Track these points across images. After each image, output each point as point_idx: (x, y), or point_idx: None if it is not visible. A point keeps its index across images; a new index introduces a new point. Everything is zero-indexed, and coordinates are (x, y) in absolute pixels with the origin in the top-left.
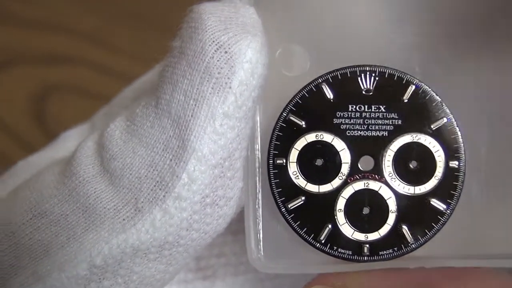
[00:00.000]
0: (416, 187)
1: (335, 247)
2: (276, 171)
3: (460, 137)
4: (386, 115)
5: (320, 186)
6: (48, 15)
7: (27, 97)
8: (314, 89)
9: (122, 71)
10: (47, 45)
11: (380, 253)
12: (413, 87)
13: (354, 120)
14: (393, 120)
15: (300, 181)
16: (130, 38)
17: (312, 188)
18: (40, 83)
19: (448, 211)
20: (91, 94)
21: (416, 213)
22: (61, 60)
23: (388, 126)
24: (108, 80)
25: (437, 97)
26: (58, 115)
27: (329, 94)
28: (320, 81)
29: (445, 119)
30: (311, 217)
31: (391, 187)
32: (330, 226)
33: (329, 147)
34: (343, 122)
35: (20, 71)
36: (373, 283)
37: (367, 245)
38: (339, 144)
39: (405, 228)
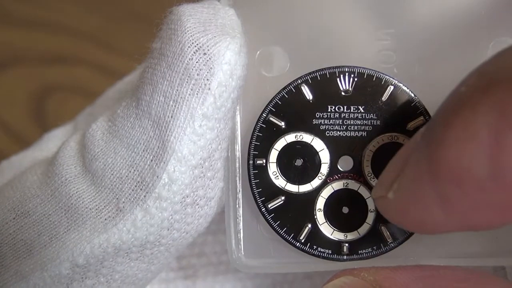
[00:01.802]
0: None
1: (315, 247)
2: (256, 171)
3: None
4: (365, 115)
5: (300, 186)
6: (48, 15)
7: (27, 97)
8: (294, 90)
9: (122, 71)
10: (47, 45)
11: (359, 252)
12: (392, 87)
13: (333, 120)
14: (372, 121)
15: (280, 181)
16: (130, 38)
17: (292, 188)
18: (40, 83)
19: None
20: (90, 94)
21: None
22: (61, 60)
23: (367, 127)
24: (108, 80)
25: (415, 97)
26: (58, 115)
27: (309, 95)
28: (299, 82)
29: (423, 119)
30: (291, 217)
31: (370, 187)
32: (309, 225)
33: (309, 147)
34: (322, 122)
35: (20, 71)
36: (404, 282)
37: (347, 244)
38: (318, 145)
39: (384, 228)
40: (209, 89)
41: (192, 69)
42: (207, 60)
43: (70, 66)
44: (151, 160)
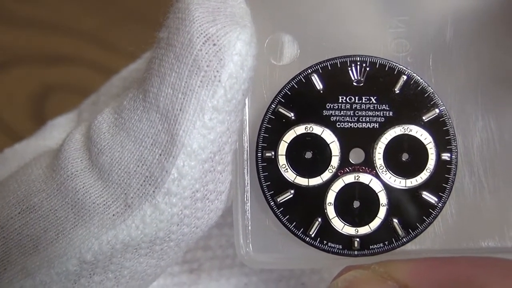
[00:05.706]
0: (407, 180)
1: (325, 242)
2: (265, 164)
3: (452, 128)
4: (377, 106)
5: (310, 179)
6: (48, 15)
7: (27, 97)
8: (304, 80)
9: None
10: (47, 45)
11: (370, 247)
12: (405, 77)
13: (345, 111)
14: (384, 112)
15: (289, 174)
16: (130, 38)
17: (302, 181)
18: (40, 83)
19: (440, 204)
20: (91, 94)
21: (407, 206)
22: (61, 60)
23: (379, 118)
24: (108, 80)
25: (429, 88)
26: (58, 115)
27: (319, 85)
28: (309, 71)
29: (437, 111)
30: (301, 211)
31: (382, 180)
32: (320, 220)
33: (319, 139)
34: (333, 113)
35: (20, 71)
36: (417, 273)
37: (358, 239)
38: (329, 137)
39: (396, 222)
40: (219, 81)
41: (202, 61)
42: (217, 51)
43: (70, 66)
44: (160, 155)
